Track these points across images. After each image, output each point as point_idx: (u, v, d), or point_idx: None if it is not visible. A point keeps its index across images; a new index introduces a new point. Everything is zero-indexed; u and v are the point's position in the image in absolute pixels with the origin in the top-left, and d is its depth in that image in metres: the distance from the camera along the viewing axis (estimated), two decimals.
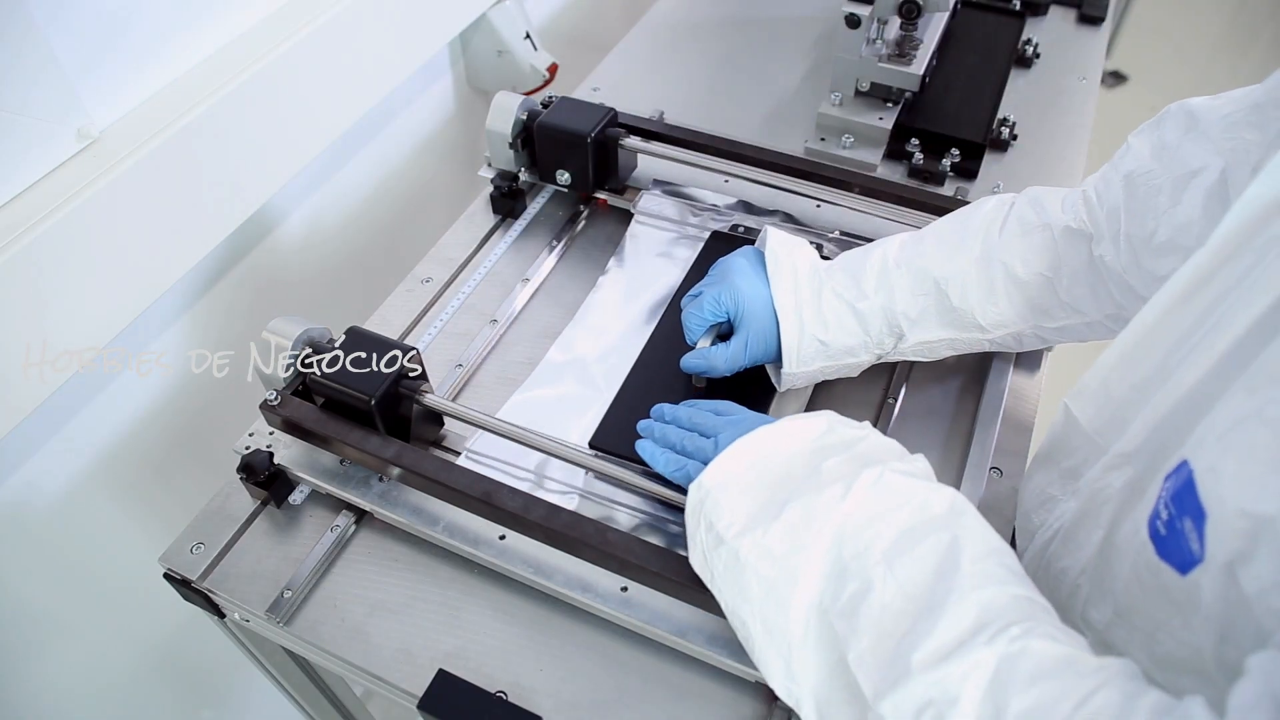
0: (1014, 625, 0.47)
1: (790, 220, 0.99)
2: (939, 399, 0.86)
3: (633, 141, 1.01)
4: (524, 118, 0.97)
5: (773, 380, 0.81)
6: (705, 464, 0.62)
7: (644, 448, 0.70)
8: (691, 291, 0.82)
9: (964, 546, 0.51)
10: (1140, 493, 0.53)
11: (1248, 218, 0.50)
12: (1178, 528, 0.46)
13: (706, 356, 0.78)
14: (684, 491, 0.62)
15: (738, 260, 0.80)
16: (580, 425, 0.81)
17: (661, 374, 0.83)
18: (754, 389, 0.81)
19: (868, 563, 0.51)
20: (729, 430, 0.64)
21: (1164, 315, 0.57)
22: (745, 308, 0.77)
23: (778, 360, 0.78)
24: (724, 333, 0.80)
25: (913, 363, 0.88)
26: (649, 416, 0.73)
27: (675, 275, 0.94)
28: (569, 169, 0.98)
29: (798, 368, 0.77)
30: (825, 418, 0.62)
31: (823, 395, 0.85)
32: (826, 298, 0.76)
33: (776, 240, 0.79)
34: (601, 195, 1.03)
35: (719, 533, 0.56)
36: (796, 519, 0.54)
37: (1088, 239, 0.73)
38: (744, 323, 0.77)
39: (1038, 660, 0.45)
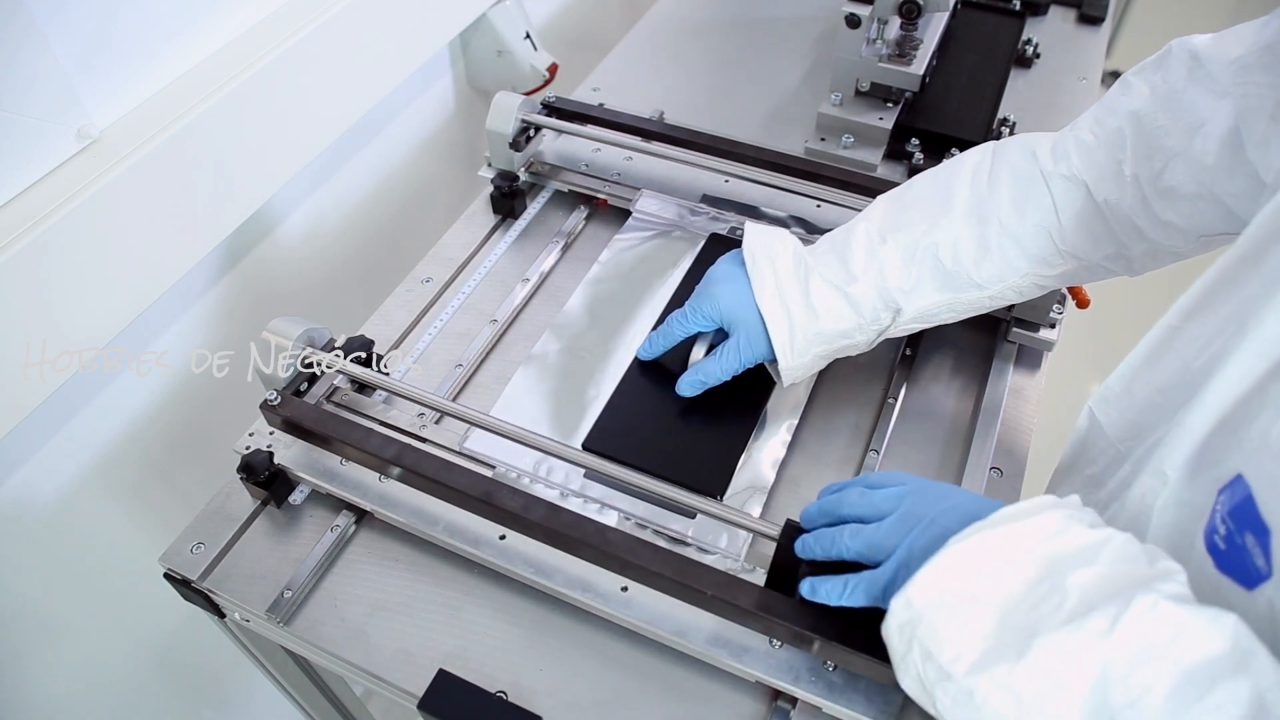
0: None
1: (800, 222, 0.99)
2: (939, 399, 0.86)
3: (632, 142, 1.01)
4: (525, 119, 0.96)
5: (773, 376, 0.81)
6: (886, 573, 0.54)
7: (810, 586, 0.59)
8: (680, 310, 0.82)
9: (1269, 701, 0.40)
10: (1189, 506, 0.50)
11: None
12: (1238, 543, 0.44)
13: (702, 372, 0.78)
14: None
15: (720, 268, 0.81)
16: (571, 423, 0.81)
17: (656, 377, 0.83)
18: (751, 387, 0.81)
19: (1145, 714, 0.41)
20: (907, 527, 0.55)
21: (1188, 316, 0.55)
22: (730, 315, 0.77)
23: (774, 358, 0.78)
24: (715, 342, 0.80)
25: (914, 363, 0.88)
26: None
27: (673, 277, 0.94)
28: None
29: (794, 360, 0.76)
30: (1055, 514, 0.50)
31: (823, 397, 0.85)
32: (815, 285, 0.75)
33: (753, 238, 0.79)
34: (602, 195, 1.03)
35: (943, 666, 0.47)
36: (1048, 658, 0.44)
37: (1083, 186, 0.70)
38: (733, 328, 0.78)
39: None
